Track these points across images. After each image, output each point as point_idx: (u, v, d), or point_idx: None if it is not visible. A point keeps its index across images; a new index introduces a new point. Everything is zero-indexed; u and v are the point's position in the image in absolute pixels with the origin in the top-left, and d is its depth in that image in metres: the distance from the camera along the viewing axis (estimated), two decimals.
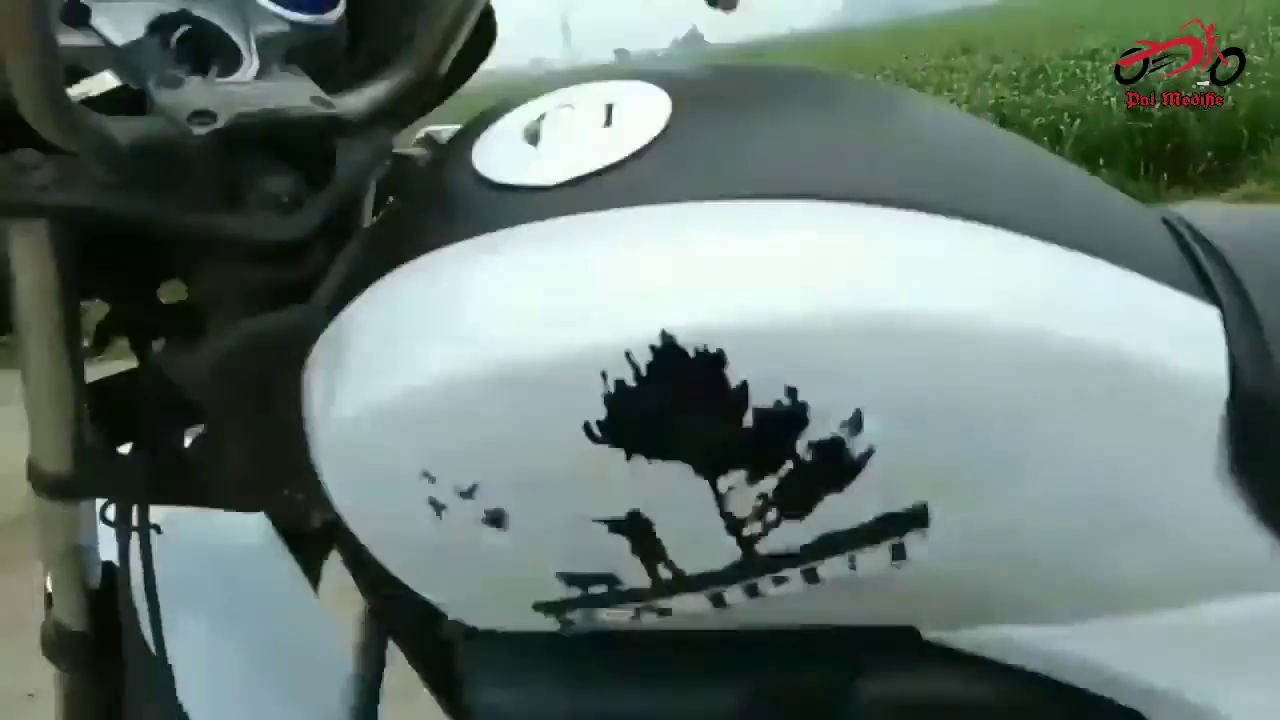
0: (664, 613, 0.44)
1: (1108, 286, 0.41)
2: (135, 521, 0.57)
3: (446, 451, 0.39)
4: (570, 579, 0.42)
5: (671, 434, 0.37)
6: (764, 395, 0.37)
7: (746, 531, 0.40)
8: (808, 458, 0.38)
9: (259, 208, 0.45)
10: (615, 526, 0.40)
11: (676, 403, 0.37)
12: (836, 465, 0.38)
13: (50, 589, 0.67)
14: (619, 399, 0.37)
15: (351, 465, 0.43)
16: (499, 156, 0.44)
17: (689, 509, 0.39)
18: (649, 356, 0.36)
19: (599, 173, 0.41)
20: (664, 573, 0.41)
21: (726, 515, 0.39)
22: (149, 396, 0.54)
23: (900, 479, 0.39)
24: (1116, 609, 0.45)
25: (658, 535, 0.40)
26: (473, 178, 0.43)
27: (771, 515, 0.39)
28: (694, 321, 0.36)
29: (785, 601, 0.45)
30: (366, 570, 0.54)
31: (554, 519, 0.40)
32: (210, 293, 0.50)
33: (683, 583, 0.42)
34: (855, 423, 0.37)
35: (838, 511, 0.40)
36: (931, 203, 0.40)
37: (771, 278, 0.37)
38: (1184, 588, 0.44)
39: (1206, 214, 0.48)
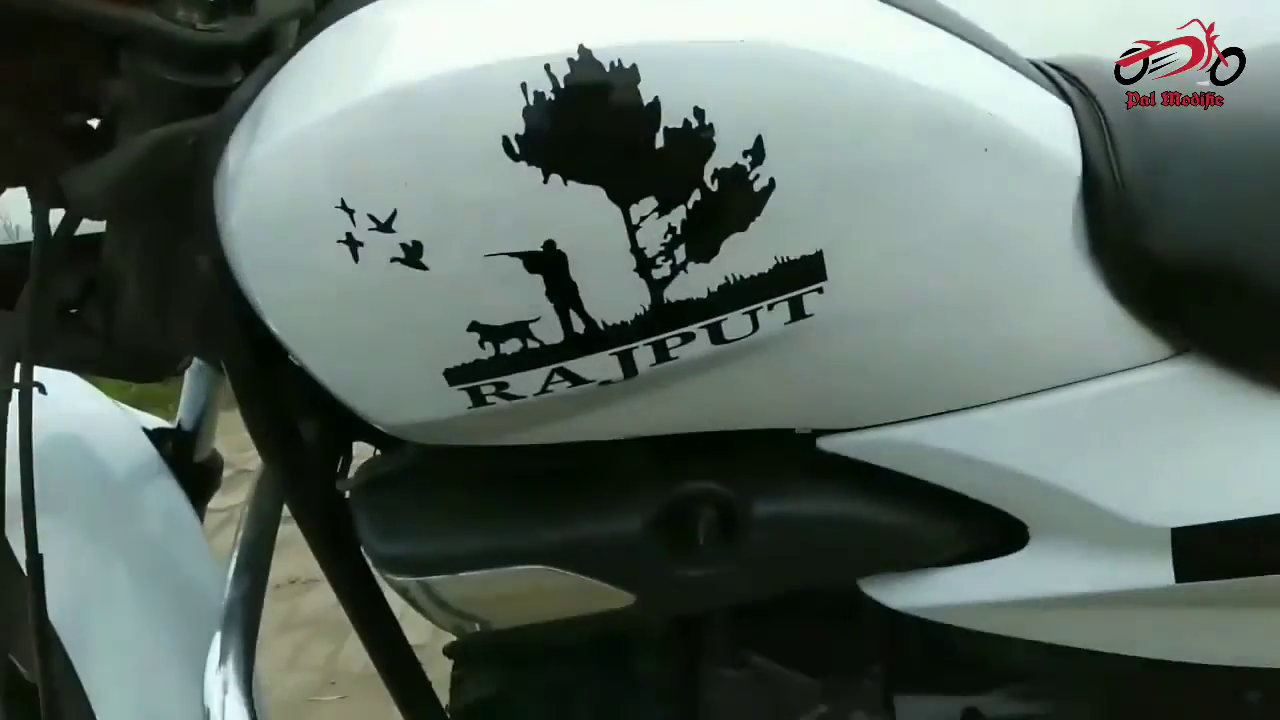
0: (575, 380, 0.45)
1: (991, 71, 0.47)
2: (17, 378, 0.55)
3: (364, 177, 0.40)
4: (485, 333, 0.43)
5: (588, 152, 0.39)
6: (674, 114, 0.39)
7: (656, 274, 0.42)
8: (714, 187, 0.40)
9: (183, 6, 0.46)
10: (531, 261, 0.41)
11: (592, 117, 0.39)
12: (740, 197, 0.41)
13: None
14: (537, 112, 0.39)
15: (266, 222, 0.43)
16: None
17: (602, 241, 0.41)
18: (566, 69, 0.39)
19: None
20: (576, 323, 0.43)
21: (637, 252, 0.41)
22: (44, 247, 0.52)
23: (797, 220, 0.42)
24: (986, 396, 0.49)
25: (572, 275, 0.42)
26: None
27: (679, 254, 0.42)
28: (610, 36, 0.39)
29: (691, 379, 0.46)
30: (269, 430, 0.53)
31: (471, 252, 0.41)
32: (121, 101, 0.50)
33: (594, 336, 0.43)
34: (757, 151, 0.40)
35: (741, 255, 0.42)
36: None
37: (689, 3, 0.40)
38: (1044, 369, 0.48)
39: (1063, 58, 0.54)
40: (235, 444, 0.82)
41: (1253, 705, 0.59)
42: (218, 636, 0.55)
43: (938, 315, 0.46)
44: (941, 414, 0.49)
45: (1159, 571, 0.50)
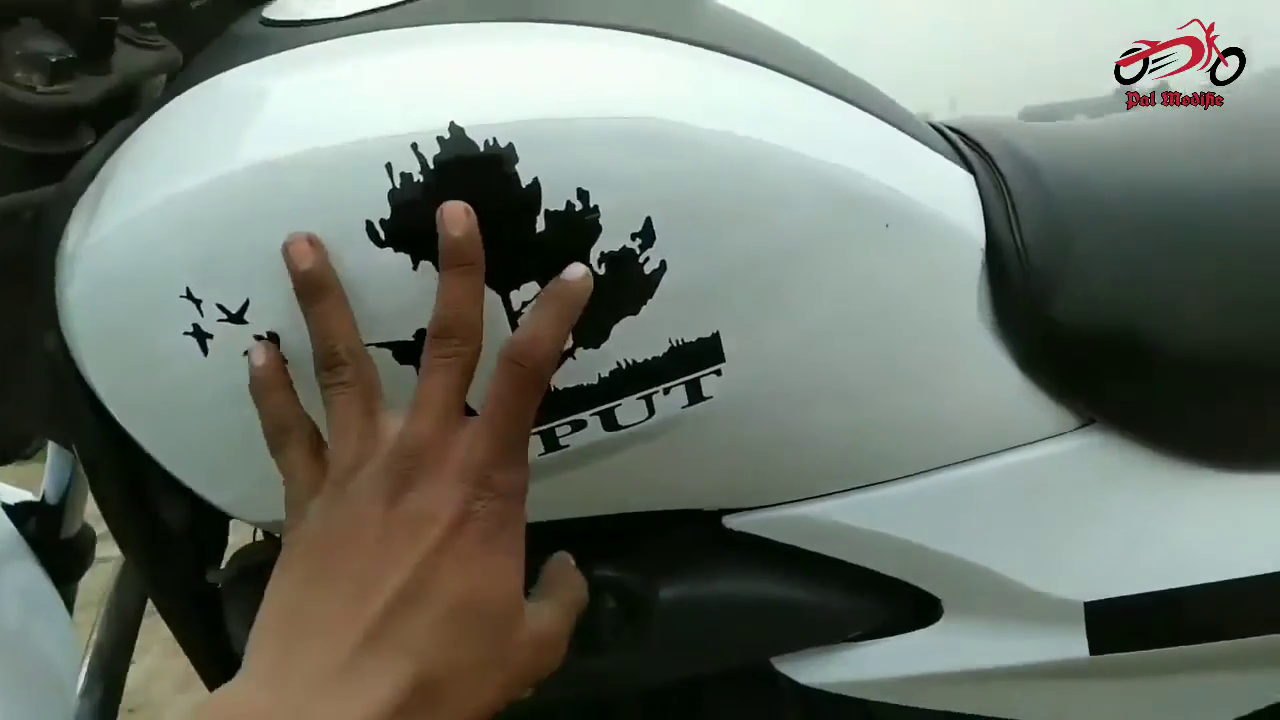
0: None
1: (885, 139, 0.45)
2: None
3: (214, 262, 0.36)
4: None
5: None
6: (555, 197, 0.36)
7: None
8: (601, 270, 0.38)
9: (22, 66, 0.42)
10: (401, 352, 0.38)
11: (465, 200, 0.36)
12: (630, 280, 0.38)
13: None
14: (405, 195, 0.35)
15: (105, 307, 0.38)
16: (290, 6, 0.43)
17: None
18: (436, 149, 0.35)
19: (389, 6, 0.41)
20: None
21: None
22: None
23: (691, 302, 0.39)
24: (895, 472, 0.47)
25: None
26: (260, 21, 0.42)
27: (568, 342, 0.39)
28: (485, 113, 0.36)
29: (585, 466, 0.43)
30: (127, 518, 0.48)
31: None
32: None
33: None
34: (647, 233, 0.38)
35: (633, 338, 0.39)
36: (727, 48, 0.42)
37: (562, 81, 0.38)
38: (952, 444, 0.47)
39: (964, 121, 0.53)
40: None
41: None
42: None
43: (841, 394, 0.44)
44: (849, 490, 0.47)
45: (1073, 644, 0.49)
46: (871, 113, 0.44)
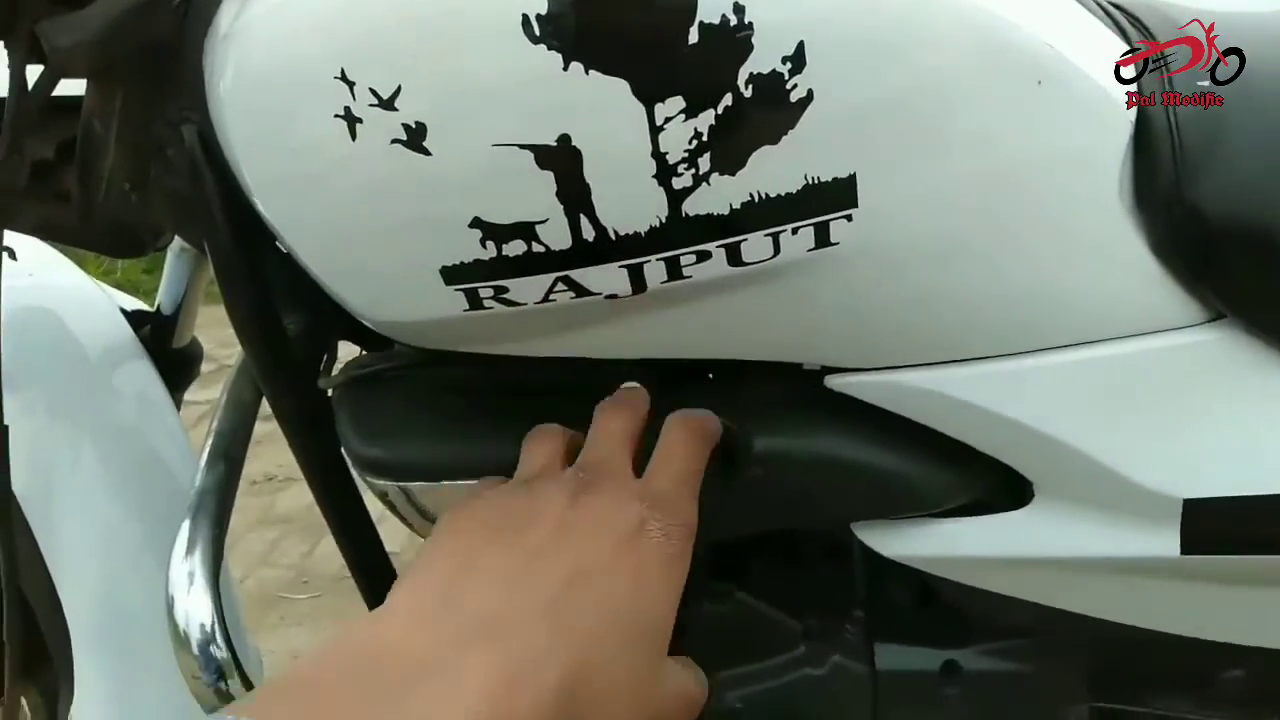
0: (580, 291, 0.42)
1: (1053, 1, 0.43)
2: None
3: (368, 46, 0.37)
4: (487, 231, 0.40)
5: (614, 40, 0.36)
6: (712, 8, 0.36)
7: (677, 183, 0.39)
8: (747, 93, 0.37)
9: None
10: (543, 156, 0.38)
11: (623, 1, 0.35)
12: (774, 107, 0.38)
13: None
14: None
15: (257, 90, 0.39)
16: None
17: (622, 141, 0.38)
18: None
19: None
20: (587, 230, 0.40)
21: (659, 157, 0.38)
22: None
23: (833, 137, 0.39)
24: (1009, 347, 0.46)
25: (586, 177, 0.38)
26: None
27: (704, 163, 0.38)
28: None
29: (701, 301, 0.44)
30: (250, 317, 0.50)
31: (478, 141, 0.37)
32: None
33: (605, 245, 0.40)
34: (798, 58, 0.37)
35: (769, 171, 0.39)
36: None
37: None
38: (1073, 324, 0.46)
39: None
40: (218, 338, 0.79)
41: (1230, 683, 0.59)
42: (186, 525, 0.53)
43: (968, 257, 0.43)
44: (960, 361, 0.47)
45: (1164, 542, 0.48)
46: None
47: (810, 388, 0.50)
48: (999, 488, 0.51)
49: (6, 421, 0.52)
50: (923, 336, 0.46)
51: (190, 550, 0.52)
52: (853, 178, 0.40)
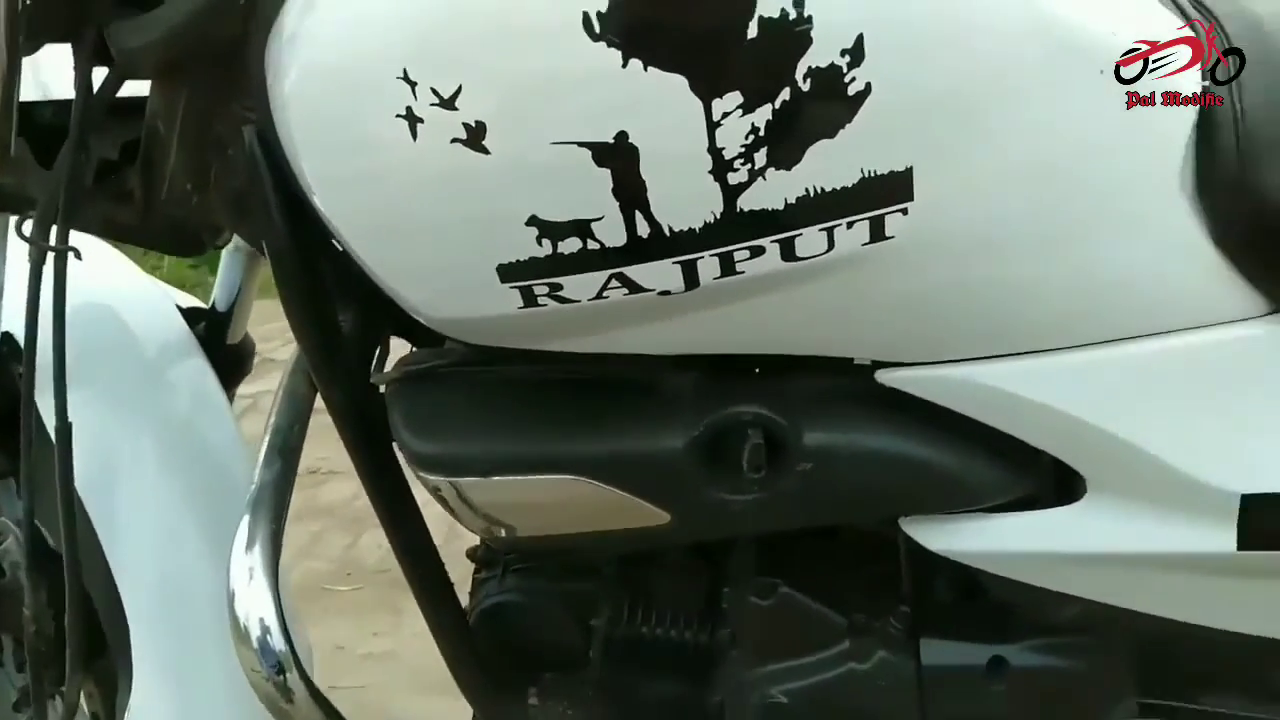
0: (634, 287, 0.42)
1: None
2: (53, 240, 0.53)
3: (430, 47, 0.37)
4: (543, 229, 0.40)
5: (673, 36, 0.36)
6: (772, 2, 0.36)
7: (732, 178, 0.39)
8: (805, 87, 0.37)
9: None
10: (600, 153, 0.38)
11: None
12: (832, 101, 0.38)
13: None
14: None
15: (320, 90, 0.40)
16: None
17: (679, 137, 0.38)
18: None
19: None
20: (641, 226, 0.40)
21: (715, 152, 0.38)
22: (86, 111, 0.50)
23: (891, 132, 0.39)
24: (1066, 340, 0.46)
25: (642, 172, 0.39)
26: None
27: (760, 158, 0.39)
28: None
29: (755, 297, 0.44)
30: (306, 314, 0.51)
31: (537, 139, 0.38)
32: None
33: (659, 242, 0.40)
34: (857, 51, 0.37)
35: (825, 165, 0.39)
36: None
37: None
38: (1130, 317, 0.45)
39: None
40: (263, 332, 0.81)
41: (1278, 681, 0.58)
42: (246, 520, 0.54)
43: (1025, 248, 0.43)
44: (1014, 355, 0.47)
45: (1220, 538, 0.48)
46: None
47: (860, 381, 0.50)
48: (1049, 483, 0.51)
49: (70, 418, 0.54)
50: (978, 329, 0.46)
51: (250, 545, 0.53)
52: (909, 171, 0.40)
